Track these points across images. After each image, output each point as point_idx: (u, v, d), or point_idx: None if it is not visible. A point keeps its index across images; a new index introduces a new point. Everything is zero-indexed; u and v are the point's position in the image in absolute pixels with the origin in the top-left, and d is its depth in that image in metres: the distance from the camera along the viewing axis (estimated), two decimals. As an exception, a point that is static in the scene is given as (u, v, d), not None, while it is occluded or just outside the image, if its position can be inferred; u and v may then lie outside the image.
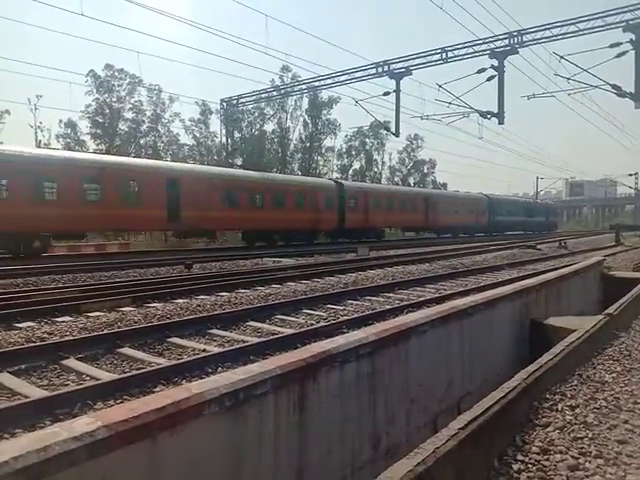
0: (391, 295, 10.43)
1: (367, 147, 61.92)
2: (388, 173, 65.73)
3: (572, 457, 2.72)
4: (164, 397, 2.33)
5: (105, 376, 5.08)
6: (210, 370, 5.31)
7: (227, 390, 2.51)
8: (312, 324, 7.61)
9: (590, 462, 2.67)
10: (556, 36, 24.47)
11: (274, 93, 41.81)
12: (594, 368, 4.39)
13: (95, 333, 6.68)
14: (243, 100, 39.46)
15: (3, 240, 17.60)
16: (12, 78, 59.33)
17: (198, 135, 52.86)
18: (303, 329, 7.17)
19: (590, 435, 2.98)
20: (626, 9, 22.17)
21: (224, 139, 42.34)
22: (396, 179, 65.82)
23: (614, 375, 4.18)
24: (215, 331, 7.10)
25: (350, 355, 3.43)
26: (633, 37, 21.32)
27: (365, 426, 3.61)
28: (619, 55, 21.92)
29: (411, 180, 66.72)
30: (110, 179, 19.73)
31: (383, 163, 64.52)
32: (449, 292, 10.54)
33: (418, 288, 11.42)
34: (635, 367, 4.42)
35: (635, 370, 4.33)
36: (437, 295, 10.18)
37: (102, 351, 6.03)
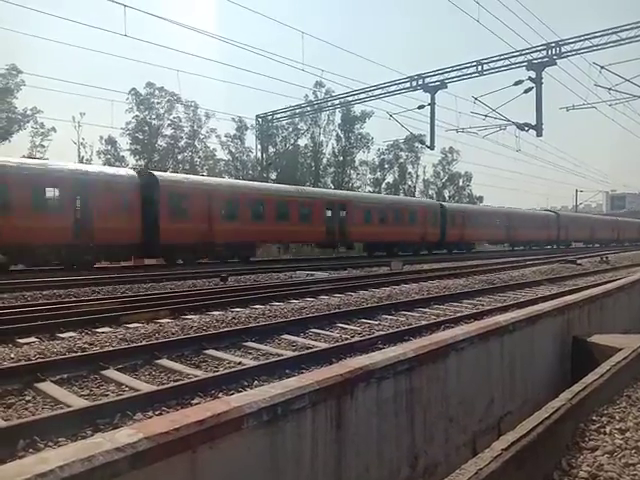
0: (427, 310, 10.26)
1: (401, 160, 61.63)
2: (422, 186, 65.30)
3: (624, 484, 2.59)
4: (204, 410, 2.34)
5: (144, 387, 5.15)
6: (246, 383, 5.33)
7: (265, 404, 2.50)
8: (347, 339, 7.55)
9: (644, 490, 2.54)
10: (596, 46, 23.92)
11: (308, 108, 42.29)
12: (644, 389, 4.19)
13: (134, 344, 6.81)
14: (278, 116, 40.13)
15: None
16: (58, 97, 61.88)
17: (234, 150, 53.78)
18: (338, 343, 7.12)
19: (643, 461, 2.83)
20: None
21: (259, 154, 43.05)
22: (430, 192, 65.25)
23: (666, 397, 3.98)
24: (250, 344, 7.13)
25: (388, 371, 3.38)
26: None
27: (403, 444, 3.54)
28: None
29: (446, 193, 66.01)
30: None
31: (417, 176, 64.12)
32: (487, 308, 10.30)
33: (455, 303, 11.21)
34: (689, 389, 4.20)
35: (689, 392, 4.11)
36: (475, 311, 9.96)
37: (141, 362, 6.13)
